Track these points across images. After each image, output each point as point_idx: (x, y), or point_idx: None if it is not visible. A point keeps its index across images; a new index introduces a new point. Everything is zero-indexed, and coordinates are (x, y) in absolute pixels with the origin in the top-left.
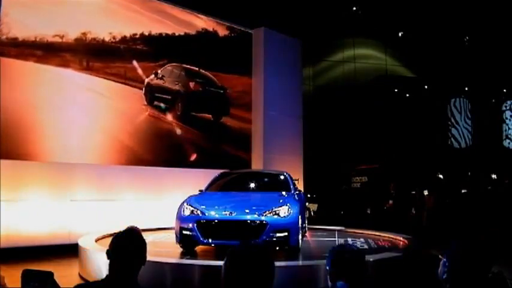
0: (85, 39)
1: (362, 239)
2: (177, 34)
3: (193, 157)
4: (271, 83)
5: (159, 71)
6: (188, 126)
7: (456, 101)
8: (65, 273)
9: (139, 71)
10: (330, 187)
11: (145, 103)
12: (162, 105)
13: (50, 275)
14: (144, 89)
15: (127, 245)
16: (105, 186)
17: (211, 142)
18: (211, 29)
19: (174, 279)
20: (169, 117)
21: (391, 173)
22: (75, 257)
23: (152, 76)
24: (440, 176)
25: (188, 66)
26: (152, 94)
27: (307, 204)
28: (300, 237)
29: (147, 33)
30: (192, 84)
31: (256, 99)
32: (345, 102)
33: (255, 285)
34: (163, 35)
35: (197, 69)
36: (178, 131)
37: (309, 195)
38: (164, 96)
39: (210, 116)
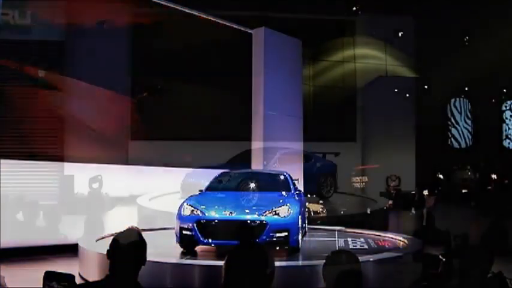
0: None
1: (362, 239)
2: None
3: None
4: (271, 83)
5: None
6: None
7: (456, 101)
8: None
9: None
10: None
11: None
12: None
13: (72, 277)
14: None
15: (127, 245)
16: (105, 185)
17: None
18: (209, 29)
19: (174, 279)
20: None
21: (390, 172)
22: (75, 257)
23: None
24: (440, 176)
25: None
26: None
27: (307, 204)
28: (300, 237)
29: None
30: None
31: (256, 99)
32: (345, 102)
33: (254, 285)
34: None
35: None
36: None
37: (309, 195)
38: None
39: None
